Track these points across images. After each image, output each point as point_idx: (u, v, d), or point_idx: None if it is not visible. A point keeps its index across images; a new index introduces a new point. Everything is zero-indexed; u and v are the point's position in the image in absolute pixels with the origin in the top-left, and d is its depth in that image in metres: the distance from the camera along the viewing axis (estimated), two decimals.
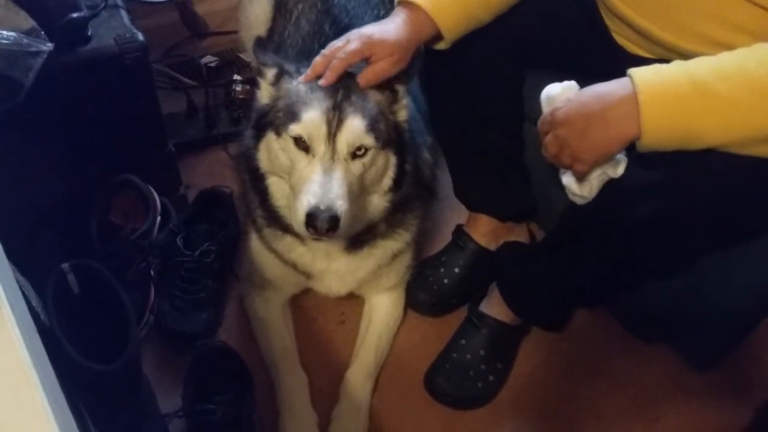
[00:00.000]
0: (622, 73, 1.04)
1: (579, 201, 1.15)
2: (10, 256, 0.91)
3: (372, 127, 1.22)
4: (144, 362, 1.27)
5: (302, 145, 1.21)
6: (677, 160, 1.04)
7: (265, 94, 1.30)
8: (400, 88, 1.28)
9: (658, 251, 1.21)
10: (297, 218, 1.19)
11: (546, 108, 1.12)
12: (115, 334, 1.10)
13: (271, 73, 1.29)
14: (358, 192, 1.25)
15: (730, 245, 1.24)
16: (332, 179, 1.18)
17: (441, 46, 1.30)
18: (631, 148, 1.05)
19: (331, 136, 1.19)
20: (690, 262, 1.29)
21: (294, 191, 1.23)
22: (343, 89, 1.21)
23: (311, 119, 1.20)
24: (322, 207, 1.15)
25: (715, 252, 1.25)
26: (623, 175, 1.10)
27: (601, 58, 1.30)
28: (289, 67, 1.29)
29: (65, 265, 1.11)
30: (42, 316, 1.01)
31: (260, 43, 1.35)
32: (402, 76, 1.27)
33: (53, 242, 1.38)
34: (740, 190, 1.06)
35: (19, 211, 1.33)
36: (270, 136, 1.27)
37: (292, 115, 1.22)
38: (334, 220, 1.15)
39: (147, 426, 1.22)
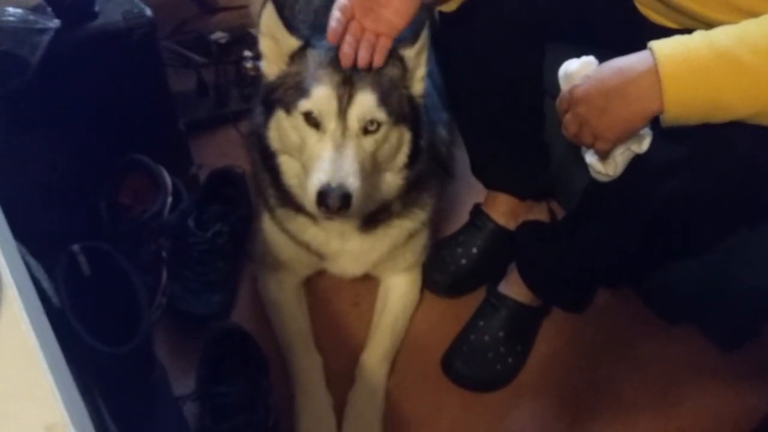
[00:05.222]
0: (645, 44, 1.00)
1: (603, 179, 1.12)
2: (21, 238, 0.89)
3: (384, 101, 1.19)
4: (157, 345, 1.26)
5: (313, 121, 1.19)
6: (701, 136, 1.01)
7: (272, 68, 1.27)
8: (407, 53, 1.23)
9: (683, 229, 1.18)
10: (308, 197, 1.17)
11: (564, 85, 1.09)
12: (127, 316, 1.08)
13: (294, 44, 1.24)
14: (371, 169, 1.22)
15: (756, 222, 1.21)
16: (343, 156, 1.15)
17: (449, 6, 1.26)
18: (655, 122, 1.01)
19: (342, 111, 1.17)
20: (715, 240, 1.26)
21: (305, 169, 1.21)
22: None
23: (321, 94, 1.17)
24: (333, 185, 1.13)
25: (741, 229, 1.23)
26: (648, 151, 1.07)
27: (624, 29, 1.26)
28: (315, 42, 1.25)
29: (75, 247, 1.09)
30: (53, 299, 0.99)
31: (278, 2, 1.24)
32: (407, 41, 1.22)
33: (64, 224, 1.36)
34: (765, 164, 1.02)
35: (29, 192, 1.31)
36: (279, 114, 1.25)
37: (302, 91, 1.19)
38: (345, 198, 1.13)
39: (160, 409, 1.21)
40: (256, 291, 1.55)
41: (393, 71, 1.23)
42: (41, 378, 0.58)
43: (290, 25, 1.24)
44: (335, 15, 1.17)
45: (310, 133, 1.19)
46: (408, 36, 1.24)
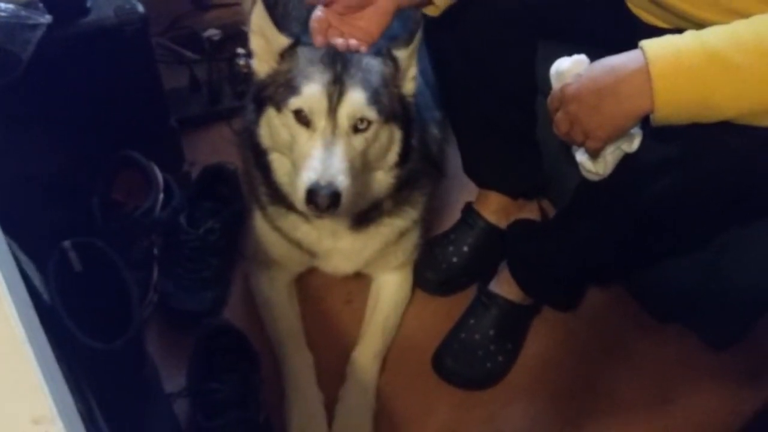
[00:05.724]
0: (636, 44, 1.00)
1: (594, 178, 1.12)
2: (12, 234, 0.89)
3: (374, 100, 1.19)
4: (148, 342, 1.26)
5: (303, 119, 1.19)
6: (692, 135, 1.01)
7: (262, 65, 1.27)
8: (401, 55, 1.24)
9: (674, 228, 1.18)
10: (297, 195, 1.17)
11: (555, 84, 1.09)
12: (119, 313, 1.08)
13: (284, 42, 1.25)
14: (361, 168, 1.23)
15: (747, 221, 1.22)
16: (333, 154, 1.15)
17: (432, 10, 1.26)
18: (646, 121, 1.02)
19: (332, 109, 1.17)
20: (707, 239, 1.26)
21: (295, 167, 1.21)
22: (343, 61, 1.19)
23: (312, 92, 1.17)
24: (322, 183, 1.13)
25: (732, 228, 1.23)
26: (638, 150, 1.07)
27: (616, 28, 1.26)
28: (306, 39, 1.25)
29: (66, 243, 1.10)
30: (44, 295, 0.99)
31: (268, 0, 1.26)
32: (401, 42, 1.23)
33: (55, 220, 1.36)
34: (756, 164, 1.03)
35: (20, 188, 1.31)
36: (270, 112, 1.25)
37: (292, 89, 1.20)
38: (335, 197, 1.13)
39: (151, 405, 1.21)
40: (248, 288, 1.55)
41: (384, 70, 1.23)
42: (29, 371, 0.57)
43: (280, 24, 1.24)
44: (314, 26, 1.18)
45: (300, 131, 1.19)
46: (403, 36, 1.24)
